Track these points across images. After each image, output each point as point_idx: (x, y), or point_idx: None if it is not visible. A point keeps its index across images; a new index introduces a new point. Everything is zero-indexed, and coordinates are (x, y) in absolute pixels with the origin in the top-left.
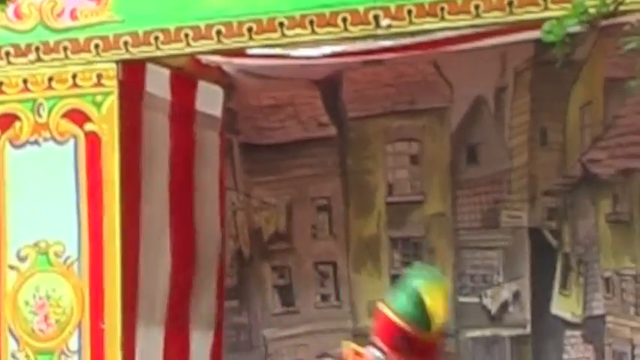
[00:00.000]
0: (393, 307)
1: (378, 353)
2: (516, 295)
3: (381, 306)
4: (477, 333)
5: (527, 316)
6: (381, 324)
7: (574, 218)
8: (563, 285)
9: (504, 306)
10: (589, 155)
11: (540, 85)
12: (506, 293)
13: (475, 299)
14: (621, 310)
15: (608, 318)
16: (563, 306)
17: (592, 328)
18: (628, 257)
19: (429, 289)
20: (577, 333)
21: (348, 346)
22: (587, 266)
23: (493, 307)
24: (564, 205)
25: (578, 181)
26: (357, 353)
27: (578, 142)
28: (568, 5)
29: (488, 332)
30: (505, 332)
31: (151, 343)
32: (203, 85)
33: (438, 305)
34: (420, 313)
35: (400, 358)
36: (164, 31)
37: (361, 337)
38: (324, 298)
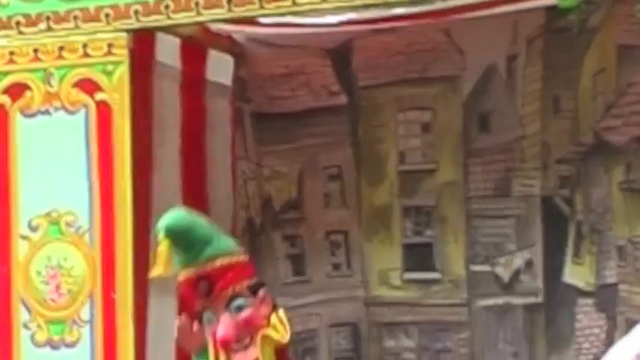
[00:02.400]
0: (175, 271)
1: (206, 314)
2: (529, 264)
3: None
4: (490, 302)
5: (540, 284)
6: (183, 292)
7: (587, 186)
8: (576, 253)
9: (517, 274)
10: (602, 123)
11: (552, 52)
12: (518, 261)
13: (487, 268)
14: (635, 278)
15: (622, 286)
16: (576, 274)
17: (605, 296)
18: None
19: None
20: (590, 301)
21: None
22: (600, 235)
23: (505, 276)
24: (577, 173)
25: (591, 149)
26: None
27: (591, 109)
28: None
29: (500, 301)
30: (517, 301)
31: (165, 313)
32: (213, 54)
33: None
34: (185, 253)
35: (214, 299)
36: None
37: (373, 305)
38: (336, 267)
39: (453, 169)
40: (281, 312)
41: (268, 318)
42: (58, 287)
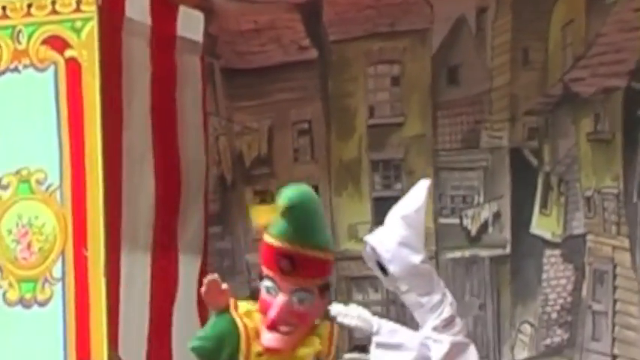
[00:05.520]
0: (271, 232)
1: (267, 282)
2: (496, 216)
3: (265, 236)
4: (457, 254)
5: (507, 236)
6: (263, 251)
7: (555, 137)
8: (544, 204)
9: (484, 226)
10: (570, 74)
11: (522, 4)
12: (486, 213)
13: (455, 220)
14: (602, 229)
15: (589, 237)
16: (543, 225)
17: (572, 247)
18: (609, 176)
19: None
20: (557, 252)
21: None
22: (568, 185)
23: (473, 228)
24: (545, 124)
25: (559, 100)
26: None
27: (560, 61)
28: None
29: (467, 253)
30: (484, 253)
31: (137, 269)
32: (183, 10)
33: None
34: (293, 229)
35: (287, 279)
36: None
37: (341, 260)
38: None
39: (422, 122)
40: (336, 326)
41: (320, 317)
42: (29, 245)
